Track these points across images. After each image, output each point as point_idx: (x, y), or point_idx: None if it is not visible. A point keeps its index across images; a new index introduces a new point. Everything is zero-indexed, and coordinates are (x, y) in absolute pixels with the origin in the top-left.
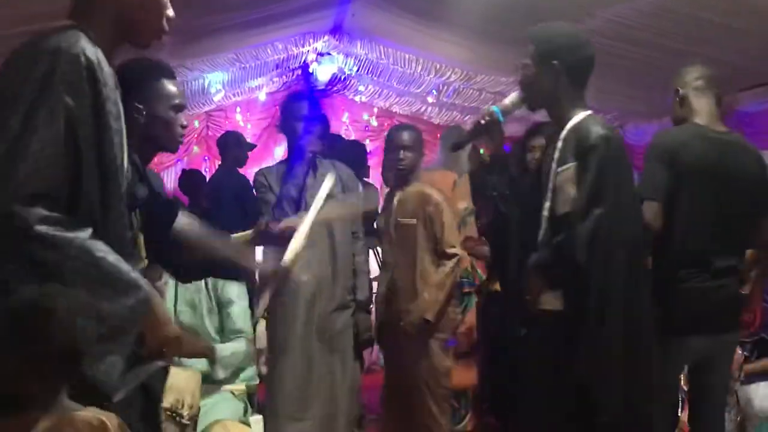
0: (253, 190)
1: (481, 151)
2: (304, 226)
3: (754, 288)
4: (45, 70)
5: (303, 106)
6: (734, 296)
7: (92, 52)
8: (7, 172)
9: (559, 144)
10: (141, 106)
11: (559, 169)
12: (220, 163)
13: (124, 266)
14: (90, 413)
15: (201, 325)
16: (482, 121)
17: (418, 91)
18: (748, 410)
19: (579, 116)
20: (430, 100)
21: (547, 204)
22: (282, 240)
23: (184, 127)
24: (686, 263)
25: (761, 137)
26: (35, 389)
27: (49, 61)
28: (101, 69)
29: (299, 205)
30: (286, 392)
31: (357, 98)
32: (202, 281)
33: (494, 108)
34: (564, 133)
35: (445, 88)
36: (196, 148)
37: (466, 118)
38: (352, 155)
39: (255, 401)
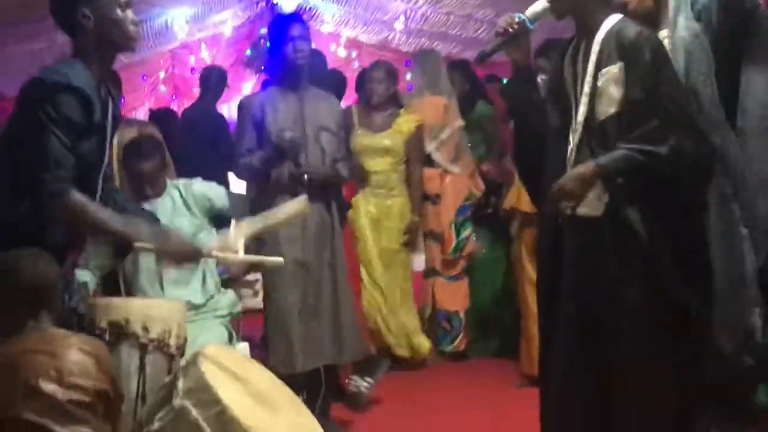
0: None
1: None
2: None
3: None
4: None
5: (294, 27)
6: None
7: None
8: None
9: (595, 48)
10: (87, 11)
11: (602, 72)
12: (198, 99)
13: None
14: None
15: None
16: (510, 29)
17: (386, 18)
18: None
19: (612, 19)
20: (397, 26)
21: (582, 109)
22: None
23: (135, 23)
24: None
25: None
26: None
27: None
28: None
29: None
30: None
31: (323, 28)
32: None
33: (521, 15)
34: (601, 36)
35: (413, 13)
36: (163, 88)
37: (435, 44)
38: (333, 85)
39: (239, 330)
